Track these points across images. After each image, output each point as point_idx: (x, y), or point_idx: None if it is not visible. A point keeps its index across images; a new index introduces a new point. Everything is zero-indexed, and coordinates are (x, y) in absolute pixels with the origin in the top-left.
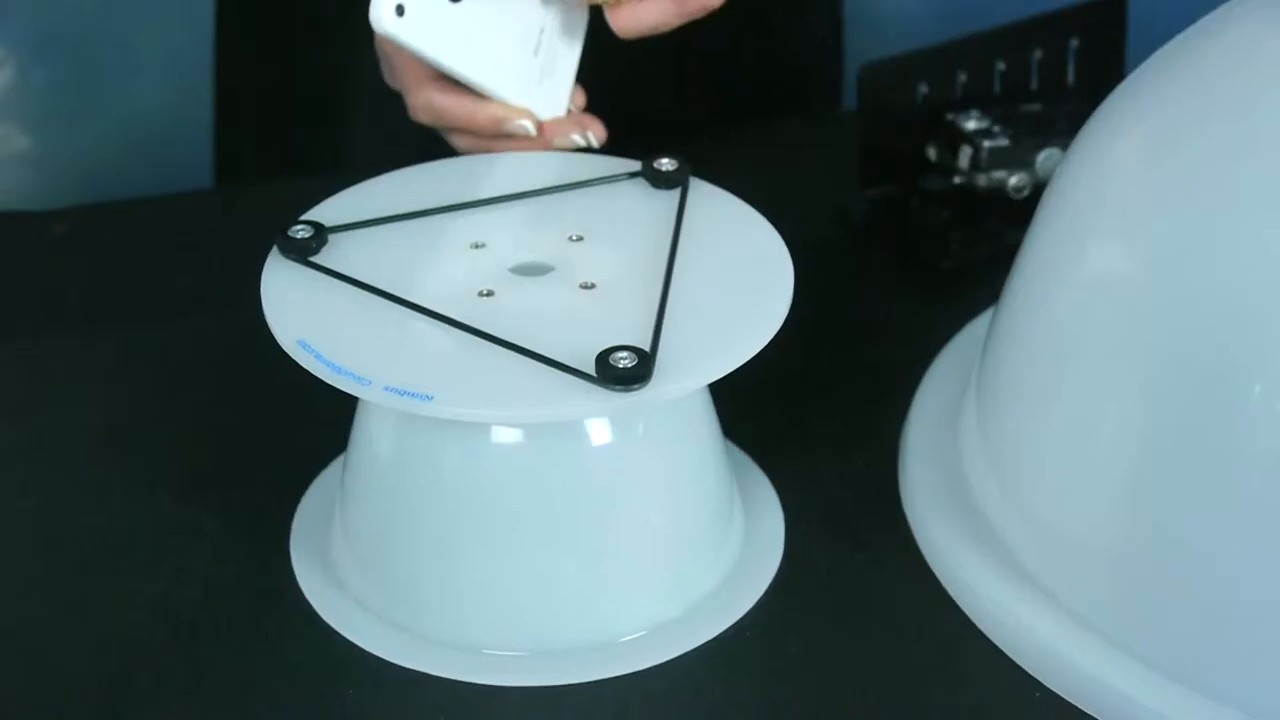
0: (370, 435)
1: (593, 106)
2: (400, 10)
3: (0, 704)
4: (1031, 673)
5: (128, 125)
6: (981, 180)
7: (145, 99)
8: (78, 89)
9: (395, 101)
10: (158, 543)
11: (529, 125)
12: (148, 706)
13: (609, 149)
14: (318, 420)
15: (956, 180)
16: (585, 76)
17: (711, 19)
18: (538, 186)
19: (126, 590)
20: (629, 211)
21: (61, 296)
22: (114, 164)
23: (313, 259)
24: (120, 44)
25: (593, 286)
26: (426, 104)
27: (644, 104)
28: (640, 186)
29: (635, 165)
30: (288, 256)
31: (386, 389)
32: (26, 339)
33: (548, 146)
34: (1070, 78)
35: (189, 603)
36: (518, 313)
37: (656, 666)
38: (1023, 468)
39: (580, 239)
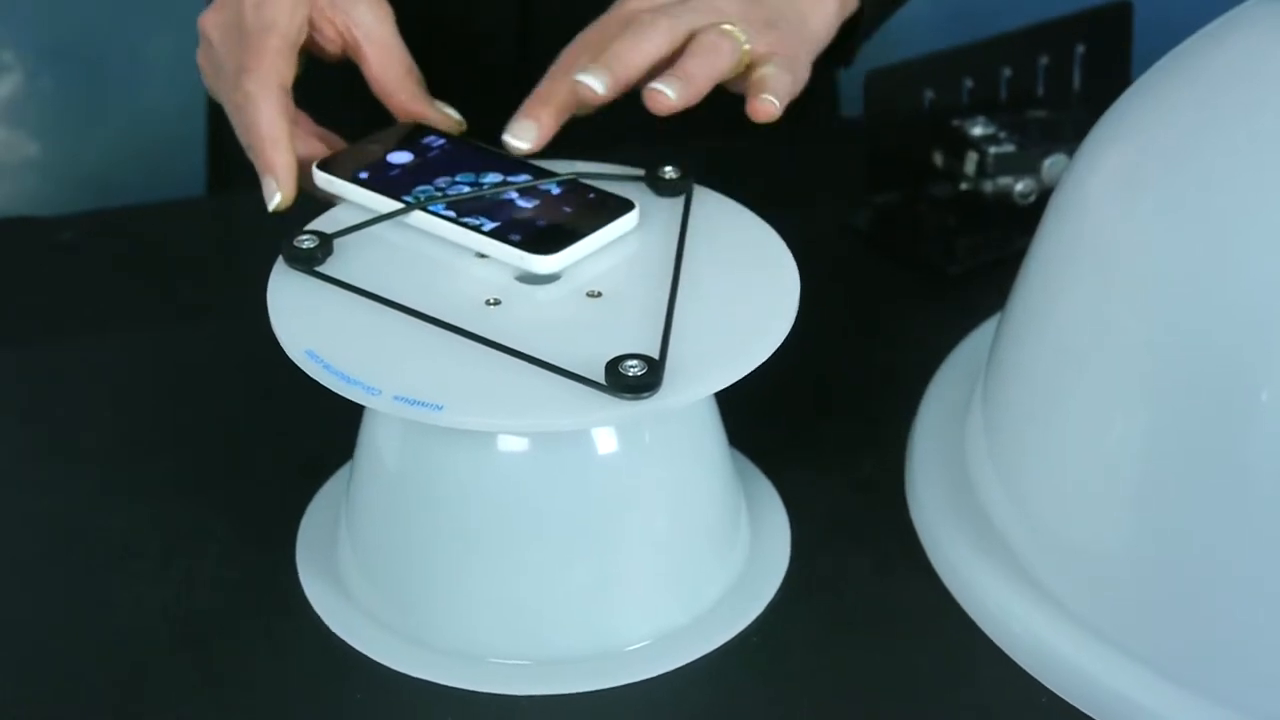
0: (377, 444)
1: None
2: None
3: (9, 705)
4: (1038, 678)
5: (135, 131)
6: (988, 186)
7: (152, 106)
8: (85, 95)
9: (388, 110)
10: (165, 549)
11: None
12: (154, 711)
13: (612, 157)
14: (323, 428)
15: (963, 186)
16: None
17: None
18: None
19: (134, 595)
20: None
21: (69, 302)
22: (121, 170)
23: (318, 269)
24: (127, 51)
25: (599, 295)
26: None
27: (638, 110)
28: (644, 194)
29: (639, 173)
30: (293, 266)
31: (396, 398)
32: (34, 344)
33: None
34: (1076, 84)
35: (196, 609)
36: (525, 321)
37: (664, 675)
38: (1029, 474)
39: None
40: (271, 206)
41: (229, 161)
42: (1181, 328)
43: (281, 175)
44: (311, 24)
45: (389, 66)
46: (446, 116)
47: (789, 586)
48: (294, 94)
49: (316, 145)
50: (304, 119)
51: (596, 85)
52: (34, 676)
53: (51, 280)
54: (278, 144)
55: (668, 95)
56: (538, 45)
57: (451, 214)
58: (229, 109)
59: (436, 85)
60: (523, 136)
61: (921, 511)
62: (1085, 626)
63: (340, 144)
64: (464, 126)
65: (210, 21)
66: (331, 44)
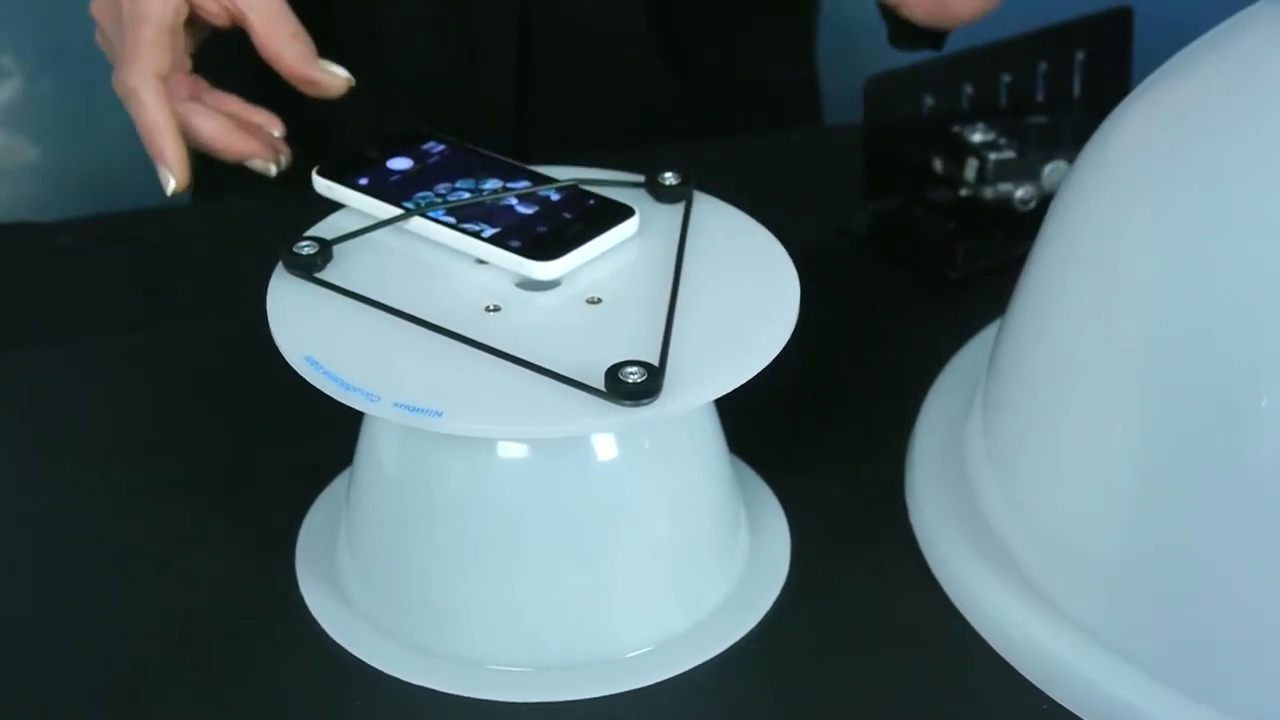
0: (376, 450)
1: (578, 110)
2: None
3: (8, 705)
4: (1038, 685)
5: (135, 136)
6: (988, 192)
7: None
8: (85, 100)
9: (383, 113)
10: (164, 551)
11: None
12: (152, 712)
13: (611, 163)
14: (323, 433)
15: (962, 192)
16: (562, 85)
17: (691, 33)
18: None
19: (133, 596)
20: None
21: (69, 306)
22: (120, 175)
23: (318, 275)
24: None
25: (599, 301)
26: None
27: (631, 111)
28: (644, 200)
29: (639, 179)
30: (293, 272)
31: (395, 405)
32: (35, 347)
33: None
34: (1076, 90)
35: (195, 612)
36: (525, 328)
37: (663, 682)
38: (1029, 479)
39: None
40: (169, 191)
41: (217, 163)
42: (1182, 334)
43: (172, 162)
44: (192, 4)
45: (274, 33)
46: (334, 75)
47: (789, 592)
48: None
49: (215, 120)
50: (203, 88)
51: None
52: (33, 676)
53: (52, 284)
54: (164, 132)
55: None
56: (536, 48)
57: (451, 220)
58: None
59: (433, 88)
60: None
61: (922, 517)
62: (1086, 633)
63: (239, 108)
64: (353, 83)
65: (97, 9)
66: (218, 18)
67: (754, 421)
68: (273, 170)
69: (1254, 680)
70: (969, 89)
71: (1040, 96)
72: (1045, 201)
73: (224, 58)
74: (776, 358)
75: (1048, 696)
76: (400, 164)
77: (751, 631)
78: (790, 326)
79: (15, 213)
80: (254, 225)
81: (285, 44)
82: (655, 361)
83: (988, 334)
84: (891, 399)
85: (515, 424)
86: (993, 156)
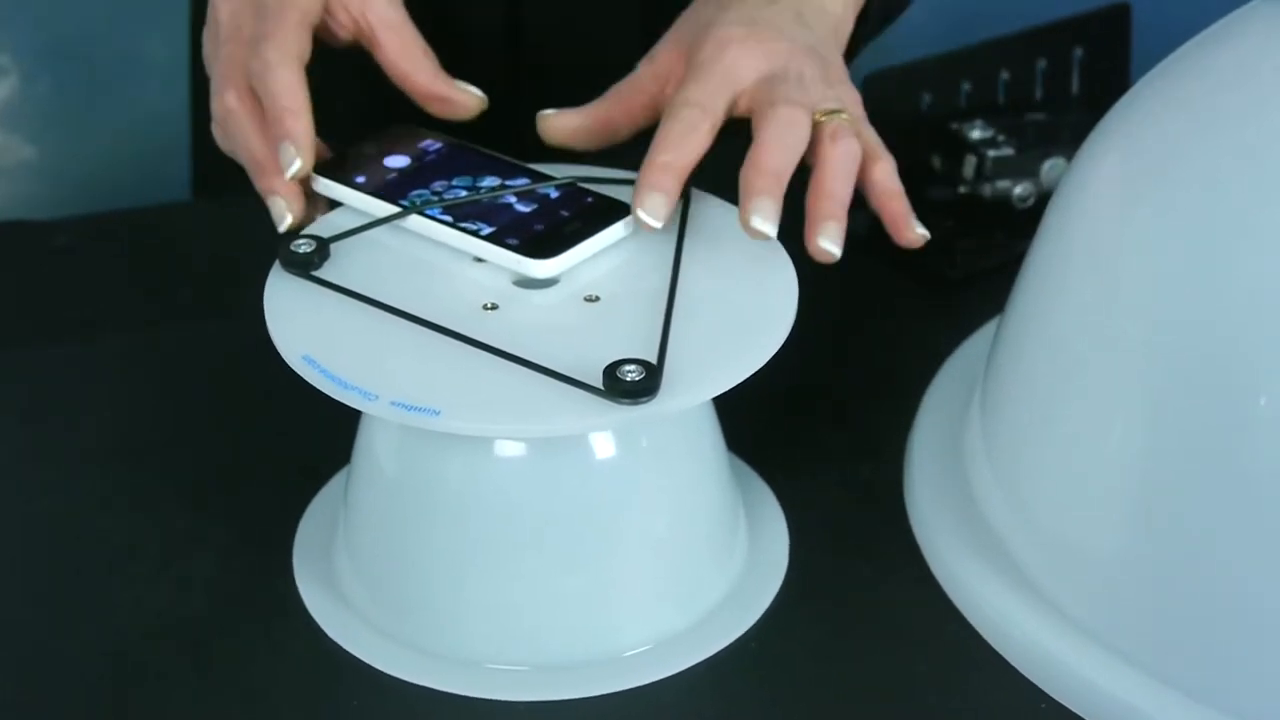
0: (374, 448)
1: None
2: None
3: (7, 705)
4: (1037, 684)
5: (131, 135)
6: (986, 190)
7: (149, 109)
8: (82, 99)
9: (380, 113)
10: (162, 551)
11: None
12: (151, 714)
13: (609, 161)
14: (321, 431)
15: (961, 190)
16: (558, 83)
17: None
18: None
19: (132, 596)
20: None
21: (64, 306)
22: (118, 174)
23: (315, 273)
24: (124, 54)
25: (596, 299)
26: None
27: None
28: None
29: (636, 176)
30: (290, 270)
31: (393, 404)
32: (33, 347)
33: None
34: (1075, 87)
35: (193, 612)
36: (522, 326)
37: (662, 680)
38: (1028, 479)
39: None
40: (292, 173)
41: (212, 165)
42: (1181, 331)
43: (304, 144)
44: (326, 8)
45: (406, 50)
46: (469, 94)
47: (787, 592)
48: None
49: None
50: None
51: (768, 228)
52: (32, 677)
53: (49, 283)
54: (299, 114)
55: (836, 250)
56: (527, 46)
57: (449, 218)
58: (220, 82)
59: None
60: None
61: (920, 517)
62: (1085, 632)
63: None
64: (486, 104)
65: (222, 5)
66: (343, 29)
67: (753, 420)
68: (287, 221)
69: (1254, 680)
70: (967, 86)
71: (1038, 94)
72: (1044, 199)
73: None
74: (775, 357)
75: (1047, 696)
76: (397, 162)
77: (750, 631)
78: (788, 325)
79: (11, 211)
80: (253, 224)
81: (418, 61)
82: (653, 359)
83: (986, 332)
84: (891, 399)
85: (513, 422)
86: (991, 154)
